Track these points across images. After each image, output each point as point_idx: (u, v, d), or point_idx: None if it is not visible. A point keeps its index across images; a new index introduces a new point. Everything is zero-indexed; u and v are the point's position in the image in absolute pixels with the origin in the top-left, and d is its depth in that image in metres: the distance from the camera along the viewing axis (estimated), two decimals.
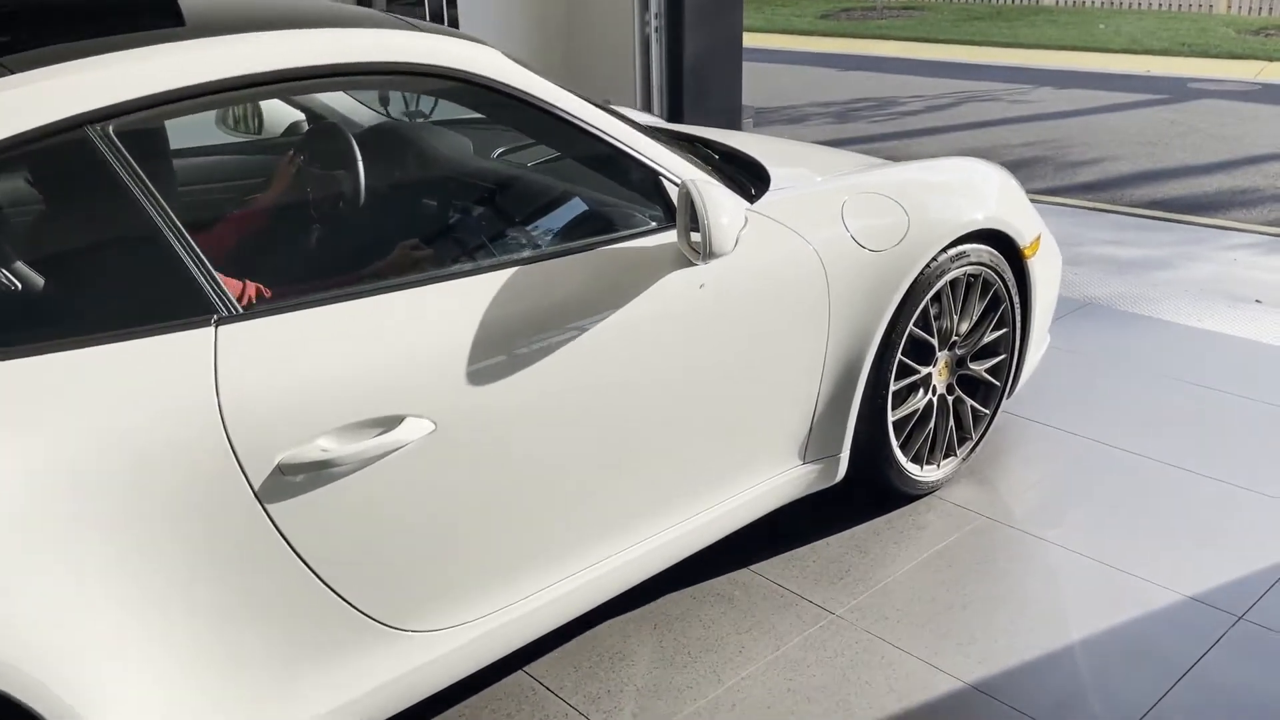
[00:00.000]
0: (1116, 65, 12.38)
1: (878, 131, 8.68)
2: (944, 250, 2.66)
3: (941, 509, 2.88)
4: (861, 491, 2.88)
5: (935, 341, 2.77)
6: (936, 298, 2.73)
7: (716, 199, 2.03)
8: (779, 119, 9.41)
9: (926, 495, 2.93)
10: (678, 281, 2.16)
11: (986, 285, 2.86)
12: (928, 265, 2.62)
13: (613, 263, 2.10)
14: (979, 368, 2.94)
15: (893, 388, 2.68)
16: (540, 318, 1.96)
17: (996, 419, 3.05)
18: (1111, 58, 13.05)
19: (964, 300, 2.83)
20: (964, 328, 2.85)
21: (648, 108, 5.71)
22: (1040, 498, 2.92)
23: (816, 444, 2.57)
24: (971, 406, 2.96)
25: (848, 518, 2.85)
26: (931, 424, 2.85)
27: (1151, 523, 2.79)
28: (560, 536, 2.10)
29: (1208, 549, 2.68)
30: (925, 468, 2.88)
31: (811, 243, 2.41)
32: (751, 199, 2.45)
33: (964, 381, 2.96)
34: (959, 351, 2.88)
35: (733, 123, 5.93)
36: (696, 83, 5.69)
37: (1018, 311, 2.96)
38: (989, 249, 2.79)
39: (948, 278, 2.70)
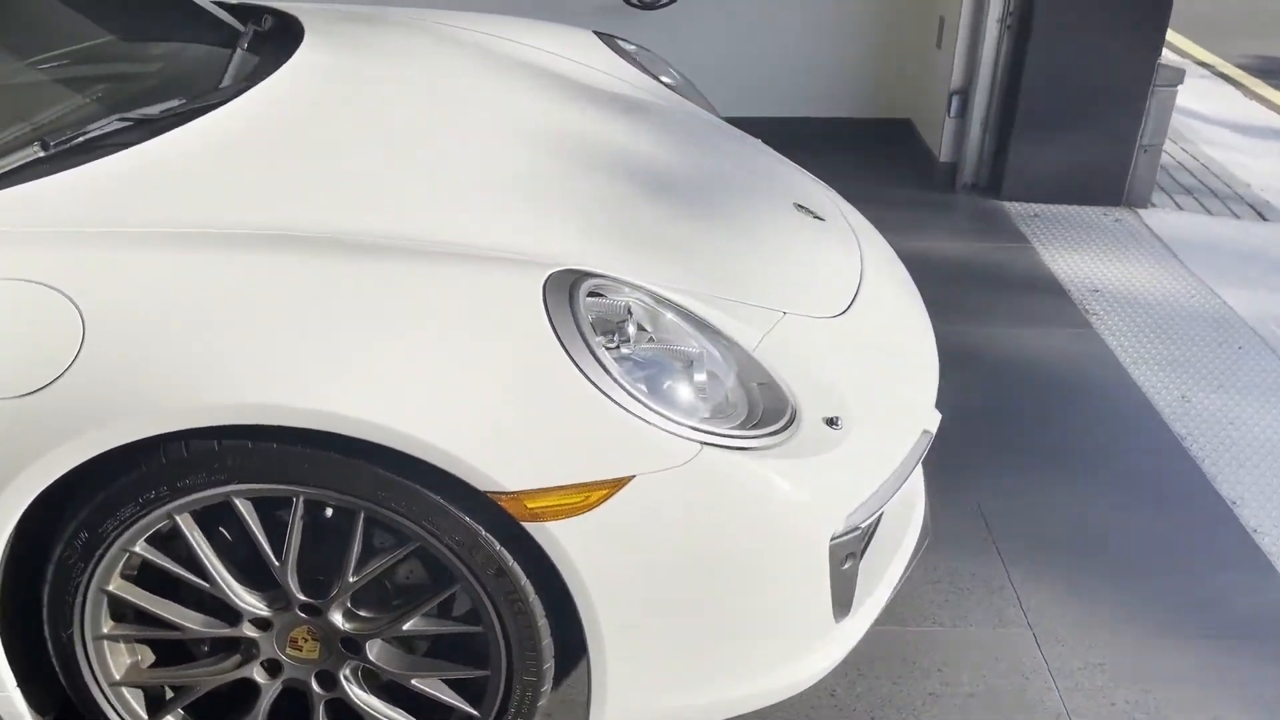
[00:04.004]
0: None
1: None
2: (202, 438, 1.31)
3: None
4: None
5: (240, 597, 1.43)
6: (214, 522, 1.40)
7: None
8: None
9: None
10: None
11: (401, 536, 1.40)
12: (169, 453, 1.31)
13: None
14: (417, 680, 1.50)
15: None
16: None
17: None
18: None
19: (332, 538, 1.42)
20: (338, 587, 1.44)
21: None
22: None
23: None
24: None
25: None
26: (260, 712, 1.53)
27: None
28: None
29: None
30: None
31: None
32: None
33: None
34: (352, 626, 1.47)
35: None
36: None
37: (504, 605, 1.42)
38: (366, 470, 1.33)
39: (197, 496, 1.35)
